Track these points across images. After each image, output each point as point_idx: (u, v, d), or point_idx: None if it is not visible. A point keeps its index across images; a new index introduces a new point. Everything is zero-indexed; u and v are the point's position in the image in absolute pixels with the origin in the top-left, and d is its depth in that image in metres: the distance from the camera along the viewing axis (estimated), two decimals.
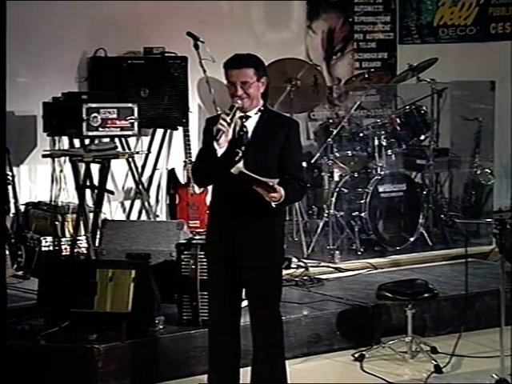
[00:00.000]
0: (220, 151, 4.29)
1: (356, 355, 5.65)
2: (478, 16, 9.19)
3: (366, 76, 7.66)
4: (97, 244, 6.22)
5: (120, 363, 5.10)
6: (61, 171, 6.47)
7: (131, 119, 6.63)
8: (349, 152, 7.30)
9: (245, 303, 4.59)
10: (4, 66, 4.77)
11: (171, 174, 7.35)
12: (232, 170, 4.24)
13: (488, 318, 5.99)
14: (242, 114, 4.38)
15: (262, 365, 4.52)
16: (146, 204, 7.12)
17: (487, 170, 8.01)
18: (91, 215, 6.50)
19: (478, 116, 8.07)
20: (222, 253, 4.43)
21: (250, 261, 4.41)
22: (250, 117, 4.41)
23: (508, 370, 4.98)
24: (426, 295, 5.76)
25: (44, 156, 6.46)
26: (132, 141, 7.11)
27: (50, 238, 6.48)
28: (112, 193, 6.71)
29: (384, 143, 7.34)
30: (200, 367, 5.11)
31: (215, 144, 4.29)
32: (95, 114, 6.49)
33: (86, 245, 6.33)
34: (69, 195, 6.63)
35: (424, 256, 7.31)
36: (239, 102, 4.35)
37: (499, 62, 8.87)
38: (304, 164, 7.47)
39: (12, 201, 6.55)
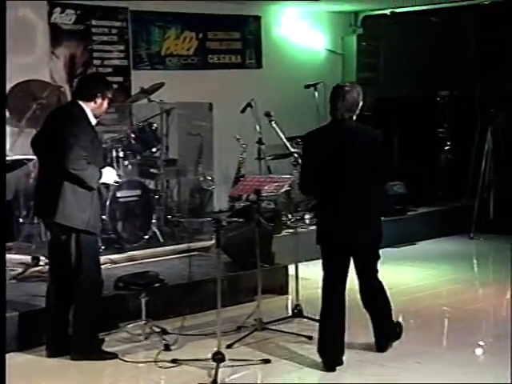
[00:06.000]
0: None
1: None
2: (197, 48, 9.87)
3: None
4: None
5: None
6: None
7: None
8: None
9: None
10: (4, 66, 4.65)
11: None
12: None
13: (209, 301, 6.23)
14: None
15: None
16: None
17: (208, 177, 8.67)
18: None
19: (199, 132, 8.74)
20: None
21: None
22: None
23: (223, 345, 5.44)
24: (156, 285, 6.17)
25: None
26: None
27: None
28: None
29: (121, 155, 7.76)
30: None
31: None
32: None
33: None
34: None
35: (157, 251, 7.67)
36: None
37: (216, 87, 9.66)
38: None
39: None
